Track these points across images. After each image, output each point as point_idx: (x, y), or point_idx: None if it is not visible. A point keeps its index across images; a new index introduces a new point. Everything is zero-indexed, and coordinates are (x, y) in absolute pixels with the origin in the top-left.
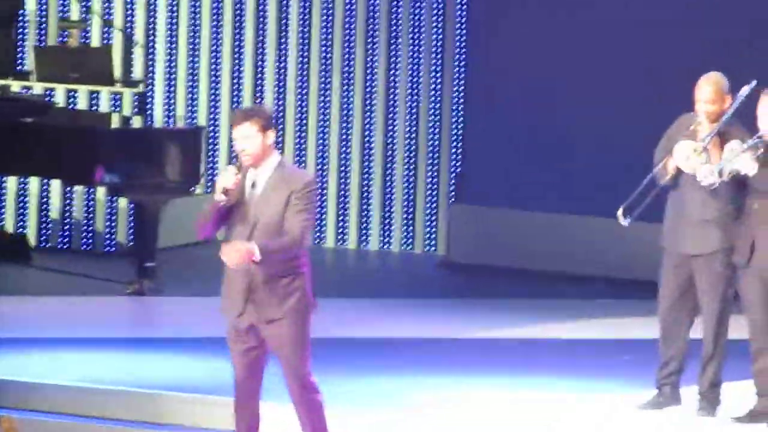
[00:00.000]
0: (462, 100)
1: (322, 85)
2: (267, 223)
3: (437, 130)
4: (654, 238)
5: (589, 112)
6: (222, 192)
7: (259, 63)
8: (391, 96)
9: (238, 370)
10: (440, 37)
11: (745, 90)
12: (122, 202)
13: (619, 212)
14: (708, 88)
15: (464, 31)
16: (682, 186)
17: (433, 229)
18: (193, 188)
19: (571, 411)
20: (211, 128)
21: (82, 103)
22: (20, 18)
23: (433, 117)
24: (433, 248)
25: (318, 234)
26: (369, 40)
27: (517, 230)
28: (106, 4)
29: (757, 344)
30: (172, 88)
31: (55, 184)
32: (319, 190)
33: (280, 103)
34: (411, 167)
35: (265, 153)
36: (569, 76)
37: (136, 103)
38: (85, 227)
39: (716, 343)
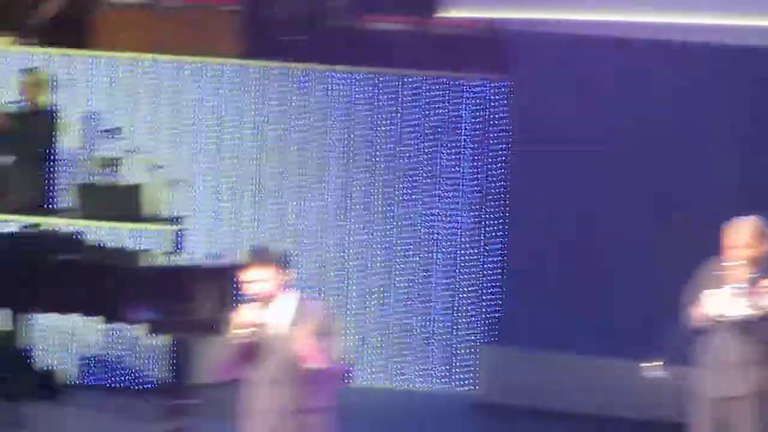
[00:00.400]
0: (502, 244)
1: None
2: (290, 359)
3: (475, 269)
4: (687, 382)
5: (625, 256)
6: (237, 329)
7: (300, 203)
8: (434, 240)
9: None
10: (480, 181)
11: None
12: (158, 339)
13: (646, 365)
14: (744, 233)
15: (504, 181)
16: (717, 330)
17: (468, 369)
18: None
19: None
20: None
21: (121, 240)
22: (55, 156)
23: (475, 257)
24: (467, 388)
25: (354, 372)
26: (408, 181)
27: (551, 372)
28: (141, 142)
29: None
30: (211, 226)
31: (90, 321)
32: (349, 327)
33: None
34: (451, 308)
35: (280, 291)
36: (607, 219)
37: (170, 241)
38: (122, 364)
39: None
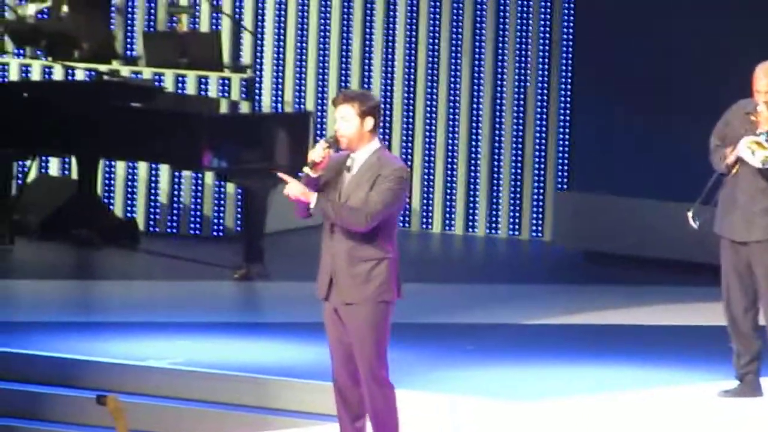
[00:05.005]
0: (570, 88)
1: (430, 72)
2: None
3: (544, 117)
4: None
5: (697, 98)
6: (310, 165)
7: (367, 49)
8: (499, 83)
9: (334, 354)
10: (548, 23)
11: None
12: (230, 187)
13: (689, 214)
14: (766, 78)
15: (572, 18)
16: (737, 175)
17: (540, 216)
18: (301, 173)
19: (658, 396)
20: (319, 113)
21: (190, 89)
22: (130, 3)
23: (540, 104)
24: (539, 234)
25: (425, 220)
26: (477, 29)
27: (622, 217)
28: None
29: None
30: (280, 73)
31: (164, 169)
32: (425, 178)
33: (387, 89)
34: (518, 154)
35: (362, 138)
36: (678, 62)
37: (244, 89)
38: (194, 212)
39: None
